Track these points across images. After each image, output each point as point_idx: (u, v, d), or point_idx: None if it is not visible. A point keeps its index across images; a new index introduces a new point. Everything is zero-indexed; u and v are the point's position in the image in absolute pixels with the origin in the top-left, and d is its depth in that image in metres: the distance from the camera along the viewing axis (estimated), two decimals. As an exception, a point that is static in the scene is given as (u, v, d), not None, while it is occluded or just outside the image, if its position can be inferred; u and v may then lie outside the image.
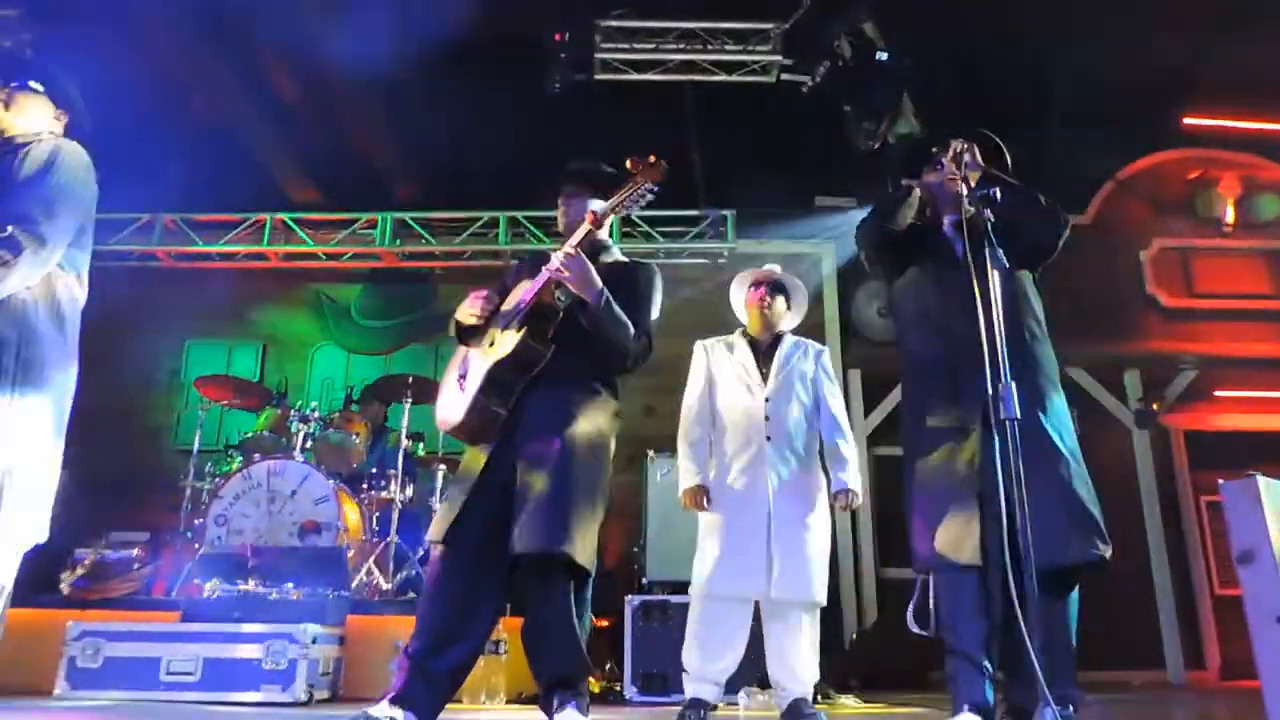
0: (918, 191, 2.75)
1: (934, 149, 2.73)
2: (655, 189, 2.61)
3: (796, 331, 3.79)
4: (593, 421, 2.62)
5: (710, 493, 3.41)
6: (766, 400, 3.44)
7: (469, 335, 2.77)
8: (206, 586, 4.13)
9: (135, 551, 4.72)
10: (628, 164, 2.63)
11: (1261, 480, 2.63)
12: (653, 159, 2.60)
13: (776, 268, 3.76)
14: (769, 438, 3.39)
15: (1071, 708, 2.13)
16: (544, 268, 2.64)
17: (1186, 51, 7.06)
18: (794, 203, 7.30)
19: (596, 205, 2.77)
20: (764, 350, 3.58)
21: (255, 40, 6.03)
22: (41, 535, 2.35)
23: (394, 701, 2.38)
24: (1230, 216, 8.10)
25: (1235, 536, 2.63)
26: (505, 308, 2.73)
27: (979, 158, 2.57)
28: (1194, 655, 7.02)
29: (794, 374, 3.52)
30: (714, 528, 3.38)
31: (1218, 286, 8.02)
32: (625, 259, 2.90)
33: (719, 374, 3.57)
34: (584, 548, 2.45)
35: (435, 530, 2.57)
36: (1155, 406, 7.40)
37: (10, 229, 2.28)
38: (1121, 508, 7.20)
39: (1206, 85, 7.49)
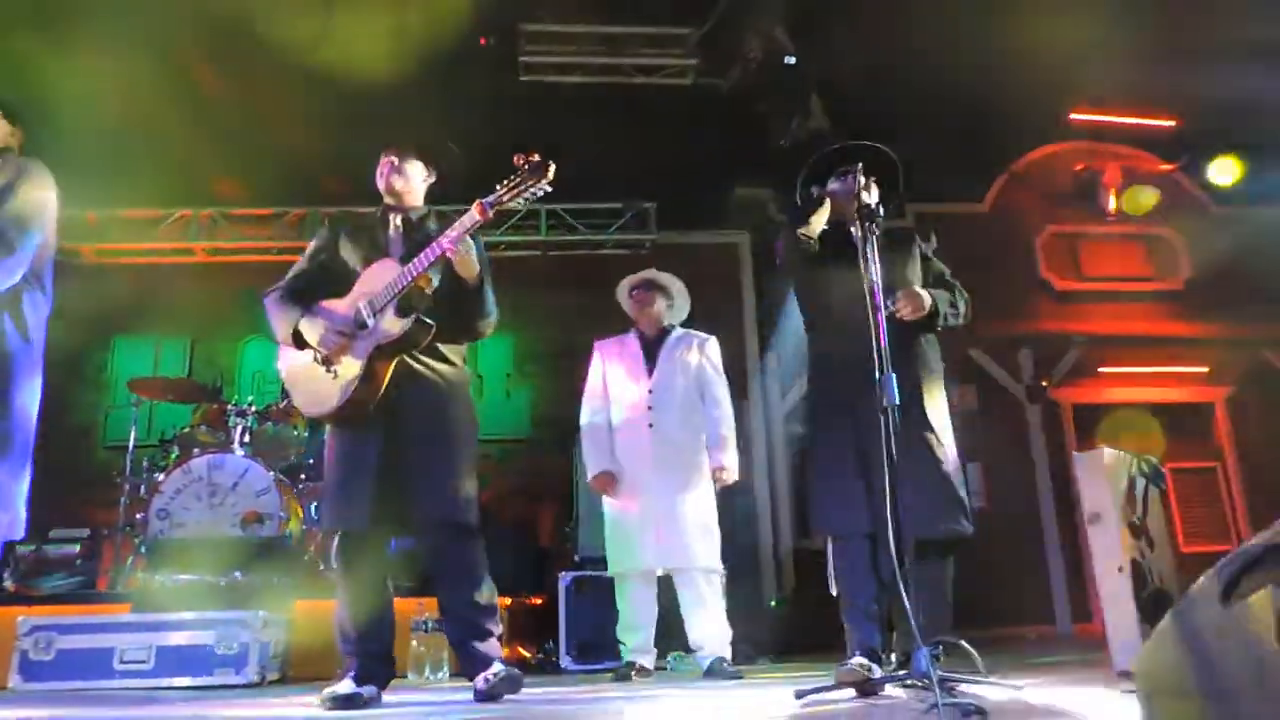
0: (828, 200, 3.07)
1: (842, 162, 3.08)
2: (543, 189, 2.70)
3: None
4: (464, 394, 2.90)
5: (617, 480, 3.84)
6: (650, 391, 3.86)
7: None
8: (155, 578, 4.27)
9: (77, 548, 4.81)
10: (516, 160, 2.72)
11: (1106, 452, 3.07)
12: (536, 157, 2.70)
13: (651, 271, 4.15)
14: (651, 425, 3.80)
15: (941, 649, 2.52)
16: (426, 251, 2.71)
17: (1075, 49, 7.59)
18: (714, 193, 7.64)
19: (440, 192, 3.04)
20: (651, 344, 3.98)
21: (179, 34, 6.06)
22: (15, 533, 2.52)
23: (355, 680, 2.66)
24: (1113, 205, 8.74)
25: (1086, 501, 3.07)
26: (370, 288, 2.75)
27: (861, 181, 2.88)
28: (1083, 610, 7.65)
29: (677, 365, 3.94)
30: (612, 511, 3.83)
31: (1103, 270, 8.68)
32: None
33: (610, 369, 3.98)
34: (475, 510, 2.79)
35: (337, 518, 2.76)
36: (1045, 383, 8.01)
37: None
38: (1016, 475, 7.81)
39: (1093, 83, 8.04)
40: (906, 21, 6.60)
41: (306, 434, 5.51)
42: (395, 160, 2.97)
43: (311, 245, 3.04)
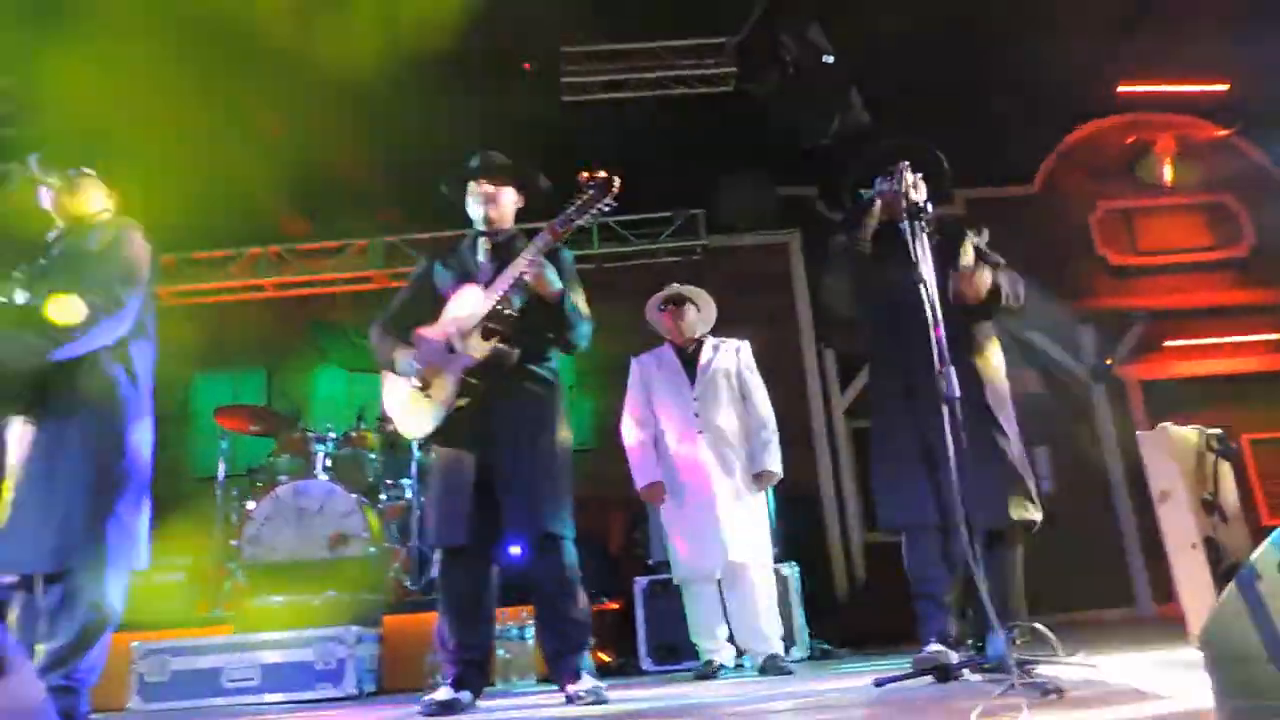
0: (878, 201, 3.14)
1: (886, 162, 3.15)
2: (610, 204, 2.82)
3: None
4: (557, 408, 3.00)
5: (669, 492, 3.96)
6: (695, 400, 3.98)
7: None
8: (254, 600, 4.51)
9: (181, 575, 5.09)
10: (581, 177, 2.84)
11: (1171, 429, 3.10)
12: (604, 174, 2.81)
13: (675, 285, 4.24)
14: (700, 432, 3.93)
15: (1015, 633, 2.58)
16: (503, 274, 2.85)
17: (1118, 23, 7.50)
18: (758, 195, 7.71)
19: (515, 206, 3.10)
20: (688, 356, 4.11)
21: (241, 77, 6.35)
22: (140, 563, 2.73)
23: (451, 686, 2.81)
24: (1168, 175, 8.58)
25: (1153, 480, 3.10)
26: (458, 313, 2.88)
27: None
28: (1164, 591, 7.51)
29: (718, 372, 4.07)
30: (670, 521, 3.97)
31: (1161, 242, 8.53)
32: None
33: (653, 383, 4.10)
34: (570, 523, 2.90)
35: (440, 534, 2.90)
36: (1109, 361, 7.90)
37: (92, 296, 2.65)
38: (1085, 457, 7.72)
39: (1139, 54, 7.92)
40: (941, 9, 6.61)
41: (382, 456, 5.73)
42: (490, 190, 3.05)
43: (411, 275, 3.20)
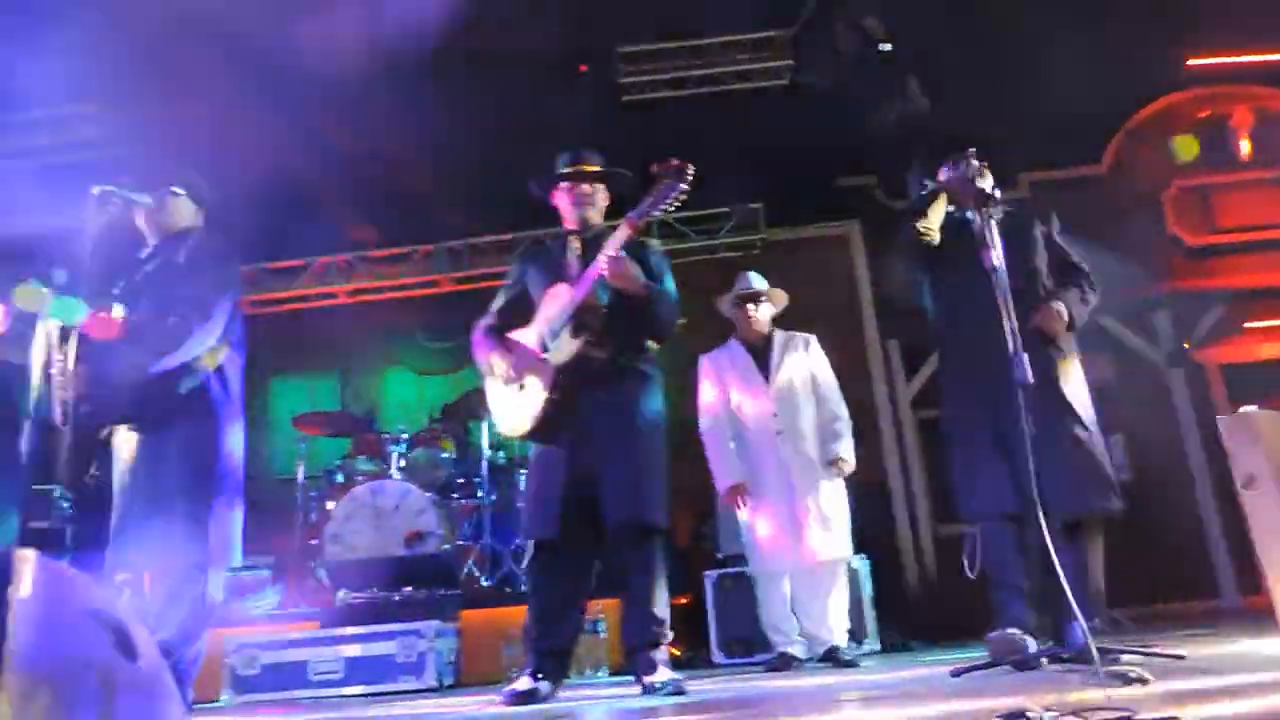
0: (944, 190, 3.12)
1: (951, 150, 3.13)
2: (685, 191, 2.85)
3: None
4: (649, 400, 3.03)
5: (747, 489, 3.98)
6: (772, 397, 4.01)
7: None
8: (337, 596, 4.68)
9: (266, 574, 5.30)
10: (653, 169, 2.88)
11: (1256, 411, 3.02)
12: (676, 164, 2.85)
13: (755, 279, 4.25)
14: (779, 431, 3.95)
15: (1097, 621, 2.55)
16: (587, 272, 2.91)
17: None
18: (817, 187, 7.66)
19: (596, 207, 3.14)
20: (759, 351, 4.13)
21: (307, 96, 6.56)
22: (234, 561, 2.87)
23: (531, 676, 2.88)
24: (1246, 149, 8.27)
25: (1237, 466, 3.02)
26: (548, 313, 2.98)
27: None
28: (1251, 582, 7.26)
29: (792, 369, 4.09)
30: (748, 515, 3.99)
31: (1241, 220, 8.21)
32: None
33: (727, 380, 4.12)
34: (664, 515, 2.94)
35: (535, 529, 2.99)
36: (1186, 345, 7.66)
37: (183, 309, 2.80)
38: (1163, 444, 7.49)
39: (1207, 24, 7.65)
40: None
41: (455, 456, 5.88)
42: (587, 190, 3.12)
43: (505, 278, 3.30)
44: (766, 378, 4.09)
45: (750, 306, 4.18)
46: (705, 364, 4.25)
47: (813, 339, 4.25)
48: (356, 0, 6.13)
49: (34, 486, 2.95)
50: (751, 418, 4.07)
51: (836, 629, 3.92)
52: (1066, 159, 8.04)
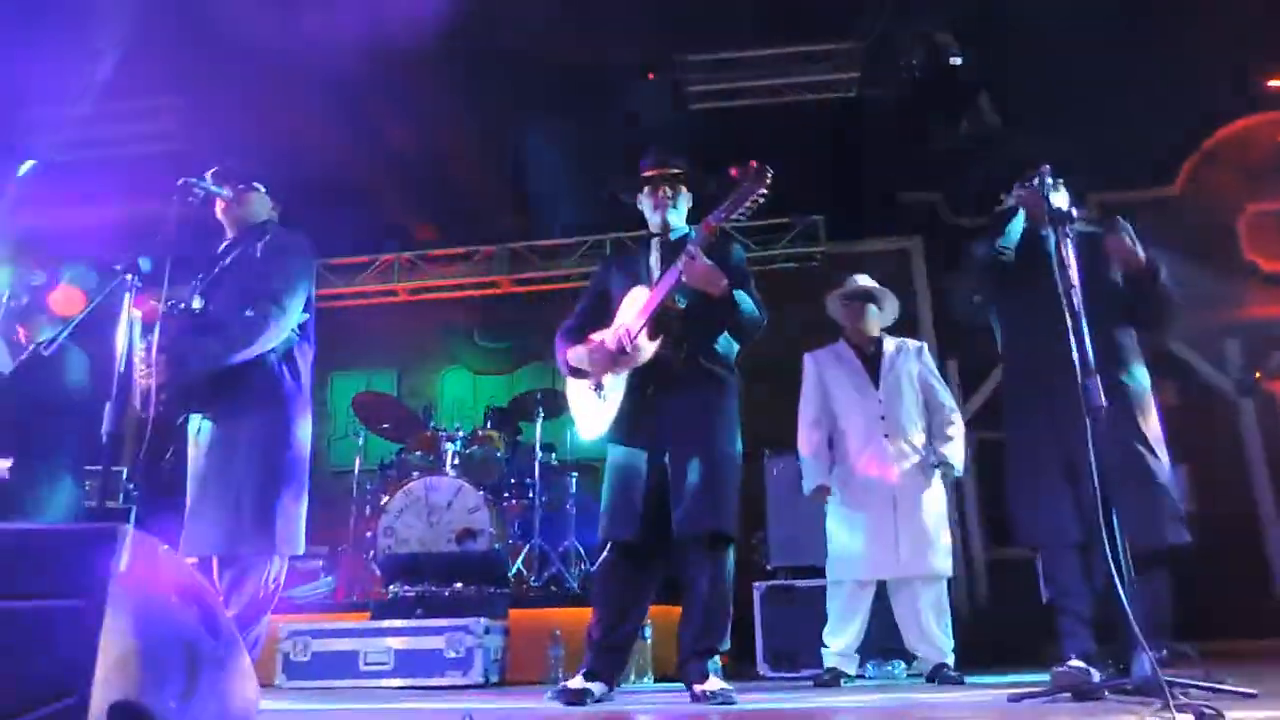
0: (1021, 211, 3.07)
1: (1021, 170, 3.09)
2: (764, 194, 2.83)
3: (893, 328, 4.25)
4: (726, 405, 3.01)
5: (837, 490, 3.89)
6: (880, 402, 3.90)
7: (581, 371, 3.07)
8: (390, 588, 4.75)
9: (320, 563, 5.40)
10: (732, 173, 2.87)
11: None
12: (756, 166, 2.83)
13: (862, 279, 4.20)
14: (886, 435, 3.84)
15: (1165, 653, 2.48)
16: (665, 274, 2.91)
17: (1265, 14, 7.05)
18: (879, 201, 7.59)
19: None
20: (869, 355, 4.03)
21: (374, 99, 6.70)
22: (299, 549, 2.94)
23: (586, 676, 2.89)
24: (1323, 176, 7.99)
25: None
26: (626, 316, 3.00)
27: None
28: (1327, 623, 6.99)
29: (901, 374, 3.97)
30: (844, 522, 3.89)
31: (1319, 248, 7.94)
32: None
33: (832, 382, 4.03)
34: (735, 523, 2.92)
35: (616, 530, 2.97)
36: (1258, 374, 7.42)
37: (259, 301, 2.88)
38: (1229, 476, 7.26)
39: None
40: (1074, 4, 6.37)
41: (508, 456, 5.94)
42: (668, 193, 3.12)
43: (589, 282, 3.33)
44: (876, 382, 3.99)
45: (858, 305, 4.10)
46: (809, 363, 4.18)
47: (924, 346, 4.16)
48: (421, 7, 6.23)
49: (112, 468, 3.04)
50: (858, 420, 3.96)
51: (942, 645, 3.80)
52: (1138, 180, 7.84)
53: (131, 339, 2.73)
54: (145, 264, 2.93)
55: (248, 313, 2.86)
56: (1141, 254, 2.83)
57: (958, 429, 3.98)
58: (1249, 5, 6.83)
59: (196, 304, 2.98)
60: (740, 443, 3.05)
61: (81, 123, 6.51)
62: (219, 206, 3.17)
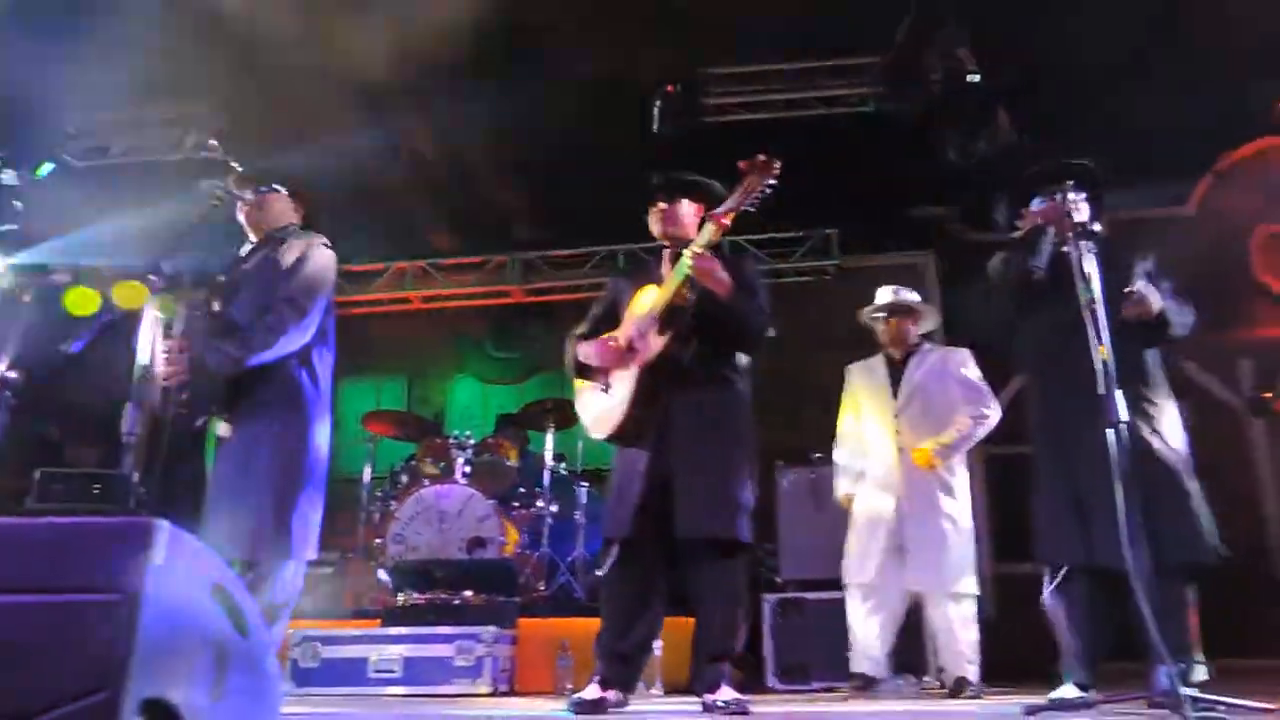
0: (1051, 225, 3.03)
1: (1046, 183, 3.08)
2: (771, 185, 2.83)
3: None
4: (737, 409, 2.99)
5: (859, 495, 3.94)
6: (895, 415, 3.90)
7: (589, 371, 3.07)
8: (399, 596, 4.75)
9: (330, 569, 5.40)
10: (740, 166, 2.87)
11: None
12: (762, 157, 2.83)
13: (892, 291, 4.19)
14: (900, 449, 3.84)
15: (1185, 666, 2.47)
16: (673, 269, 2.92)
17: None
18: (892, 215, 7.60)
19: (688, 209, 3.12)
20: (898, 365, 4.04)
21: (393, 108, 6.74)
22: (313, 553, 2.94)
23: (599, 684, 2.87)
24: (1338, 198, 7.98)
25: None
26: (636, 316, 2.99)
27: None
28: (1337, 643, 6.92)
29: (924, 384, 3.95)
30: (856, 529, 3.89)
31: (1331, 270, 7.93)
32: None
33: (861, 394, 4.06)
34: (748, 528, 2.88)
35: (612, 529, 2.96)
36: (1269, 395, 7.40)
37: (280, 306, 2.89)
38: (1238, 495, 7.21)
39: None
40: (1094, 22, 6.38)
41: (519, 464, 5.94)
42: (664, 207, 3.14)
43: (604, 291, 3.32)
44: (895, 393, 3.98)
45: (891, 320, 4.10)
46: (847, 374, 4.24)
47: (961, 352, 4.08)
48: (440, 7, 6.26)
49: (126, 470, 3.06)
50: (876, 430, 3.99)
51: (961, 660, 3.76)
52: (1152, 199, 7.83)
53: (153, 342, 2.75)
54: (167, 267, 2.96)
55: (267, 317, 2.87)
56: (1155, 308, 2.81)
57: (969, 423, 3.86)
58: (1265, 27, 6.84)
59: (217, 307, 3.00)
60: (749, 446, 3.01)
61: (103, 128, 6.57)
62: (241, 211, 3.19)
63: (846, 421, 4.14)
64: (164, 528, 1.23)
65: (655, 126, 6.21)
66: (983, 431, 3.90)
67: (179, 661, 1.26)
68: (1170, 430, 2.84)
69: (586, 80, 6.28)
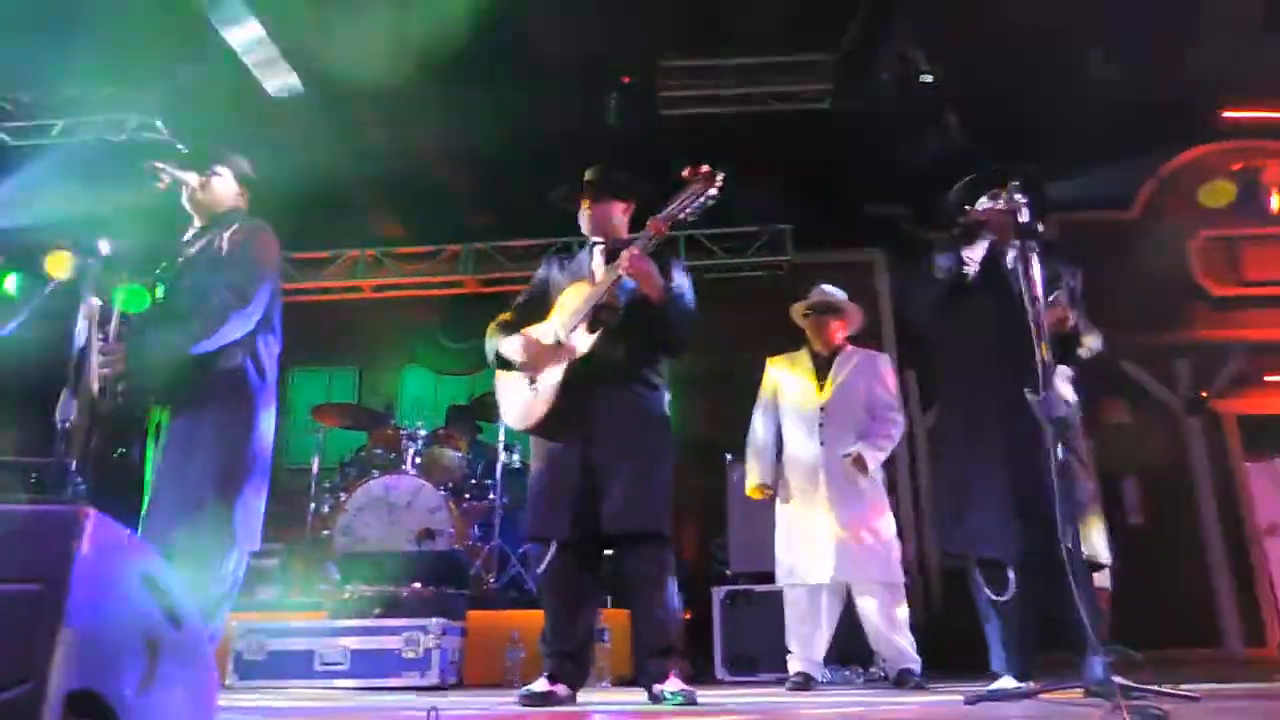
0: (990, 223, 3.11)
1: (989, 184, 3.14)
2: (713, 197, 2.85)
3: (855, 339, 4.29)
4: (659, 410, 3.02)
5: (779, 492, 3.98)
6: (821, 409, 3.96)
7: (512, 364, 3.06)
8: (346, 588, 4.69)
9: (275, 561, 5.31)
10: (684, 173, 2.89)
11: (1280, 462, 3.02)
12: (707, 170, 2.86)
13: (826, 290, 4.25)
14: (822, 442, 3.91)
15: (1114, 656, 2.54)
16: (607, 269, 2.94)
17: (1228, 50, 7.26)
18: (845, 212, 7.68)
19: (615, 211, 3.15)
20: (824, 361, 4.10)
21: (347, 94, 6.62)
22: (256, 544, 2.89)
23: (548, 679, 2.88)
24: (1277, 204, 8.26)
25: (1262, 511, 3.03)
26: (565, 310, 2.98)
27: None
28: (1257, 633, 7.19)
29: (850, 383, 4.03)
30: (783, 526, 3.95)
31: (1268, 273, 8.20)
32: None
33: (783, 387, 4.11)
34: (670, 522, 2.93)
35: (549, 529, 2.96)
36: (1204, 394, 7.64)
37: (222, 293, 2.82)
38: (1175, 490, 7.45)
39: (1248, 83, 7.64)
40: (1046, 30, 6.51)
41: (470, 456, 5.90)
42: (588, 205, 3.16)
43: (531, 280, 3.30)
44: (823, 388, 4.04)
45: (817, 318, 4.15)
46: (767, 368, 4.26)
47: (882, 357, 4.19)
48: (394, 2, 6.17)
49: (62, 458, 2.96)
50: (798, 424, 4.03)
51: (905, 650, 3.82)
52: (1096, 202, 8.03)
53: (90, 328, 2.67)
54: (104, 246, 2.87)
55: (209, 304, 2.80)
56: (1071, 322, 2.91)
57: (887, 439, 3.97)
58: (1207, 40, 7.03)
59: (159, 293, 2.92)
60: (669, 443, 3.04)
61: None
62: (185, 192, 3.11)
63: (762, 411, 4.16)
64: (91, 516, 1.20)
65: (610, 118, 6.21)
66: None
67: (107, 652, 1.23)
68: (1075, 436, 2.94)
69: (540, 69, 6.25)
